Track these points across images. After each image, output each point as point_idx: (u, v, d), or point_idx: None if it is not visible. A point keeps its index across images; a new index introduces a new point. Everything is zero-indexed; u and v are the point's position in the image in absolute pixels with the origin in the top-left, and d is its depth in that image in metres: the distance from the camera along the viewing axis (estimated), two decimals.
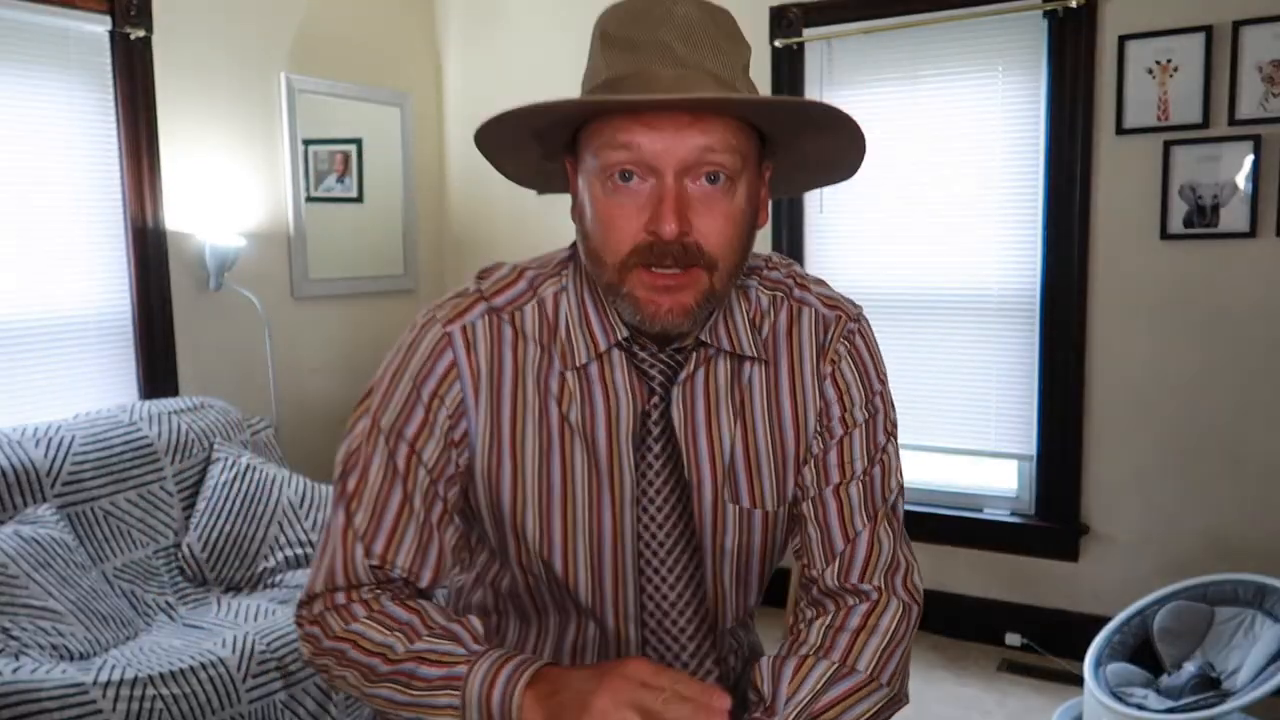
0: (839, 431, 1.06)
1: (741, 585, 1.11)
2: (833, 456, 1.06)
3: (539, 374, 1.04)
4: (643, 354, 1.04)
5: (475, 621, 0.96)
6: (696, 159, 0.91)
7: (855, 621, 1.00)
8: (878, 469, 1.06)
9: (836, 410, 1.07)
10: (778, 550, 1.11)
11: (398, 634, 0.94)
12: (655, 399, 1.04)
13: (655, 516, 1.03)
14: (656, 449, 1.04)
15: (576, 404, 1.03)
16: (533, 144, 1.01)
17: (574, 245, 1.06)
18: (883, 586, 1.02)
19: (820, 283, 1.14)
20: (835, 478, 1.05)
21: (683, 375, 1.05)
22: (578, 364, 1.03)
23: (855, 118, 0.94)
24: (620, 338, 1.03)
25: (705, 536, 1.06)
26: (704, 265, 0.94)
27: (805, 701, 0.95)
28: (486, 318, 1.04)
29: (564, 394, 1.03)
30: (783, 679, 0.97)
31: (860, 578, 1.02)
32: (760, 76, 3.59)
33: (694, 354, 1.05)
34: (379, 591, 1.00)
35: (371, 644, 0.95)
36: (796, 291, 1.11)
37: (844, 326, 1.09)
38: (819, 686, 0.96)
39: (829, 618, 1.01)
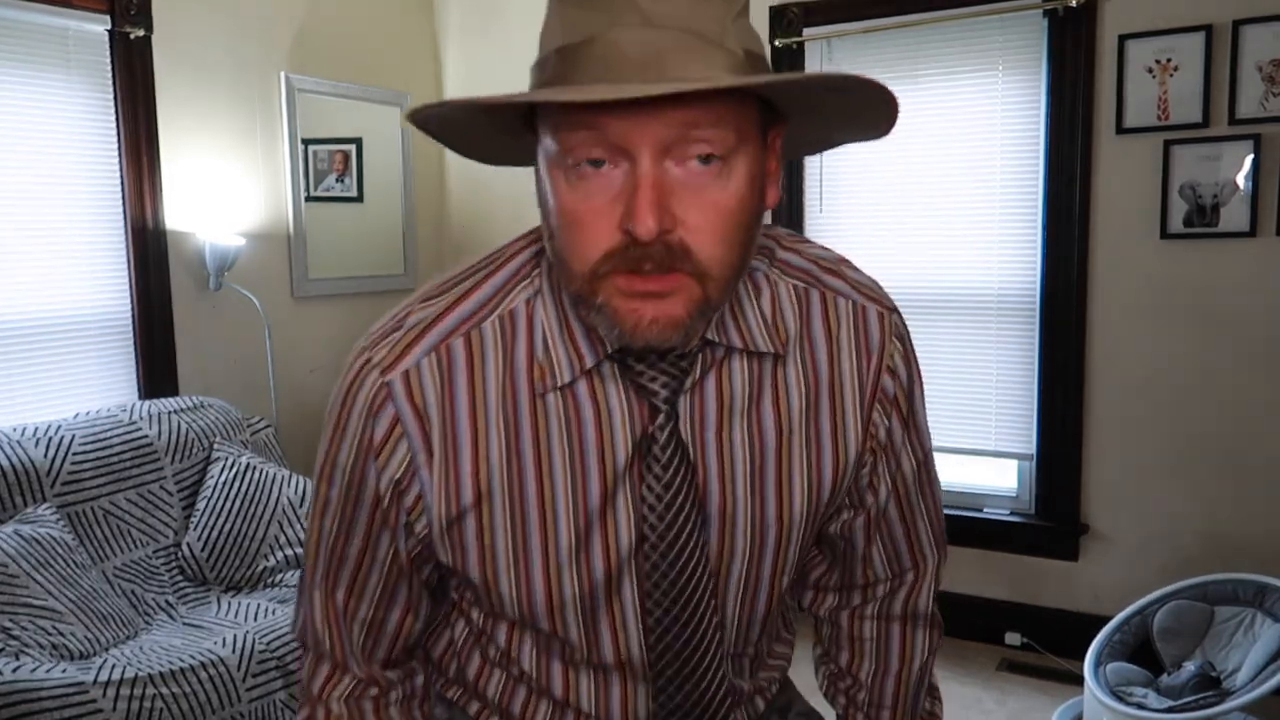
0: (902, 443, 1.00)
1: (769, 613, 0.98)
2: (897, 471, 1.00)
3: (505, 404, 0.85)
4: (639, 365, 0.85)
5: None
6: (679, 136, 0.71)
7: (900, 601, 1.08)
8: (937, 484, 1.07)
9: (898, 423, 0.98)
10: (795, 569, 0.99)
11: None
12: (661, 418, 0.86)
13: (666, 555, 0.87)
14: (666, 477, 0.86)
15: (558, 435, 0.85)
16: (482, 119, 0.82)
17: (538, 232, 0.87)
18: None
19: (845, 263, 0.98)
20: (899, 496, 1.02)
21: (689, 382, 0.86)
22: (560, 383, 0.84)
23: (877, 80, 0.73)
24: (611, 349, 0.84)
25: (733, 565, 0.92)
26: (692, 272, 0.75)
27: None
28: (434, 354, 0.85)
29: (540, 424, 0.85)
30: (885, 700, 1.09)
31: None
32: None
33: (700, 355, 0.86)
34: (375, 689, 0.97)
35: None
36: (826, 278, 0.95)
37: (892, 323, 0.96)
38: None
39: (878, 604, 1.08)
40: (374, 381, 0.85)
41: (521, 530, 0.87)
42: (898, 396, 0.97)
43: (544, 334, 0.85)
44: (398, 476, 0.86)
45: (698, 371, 0.87)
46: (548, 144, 0.75)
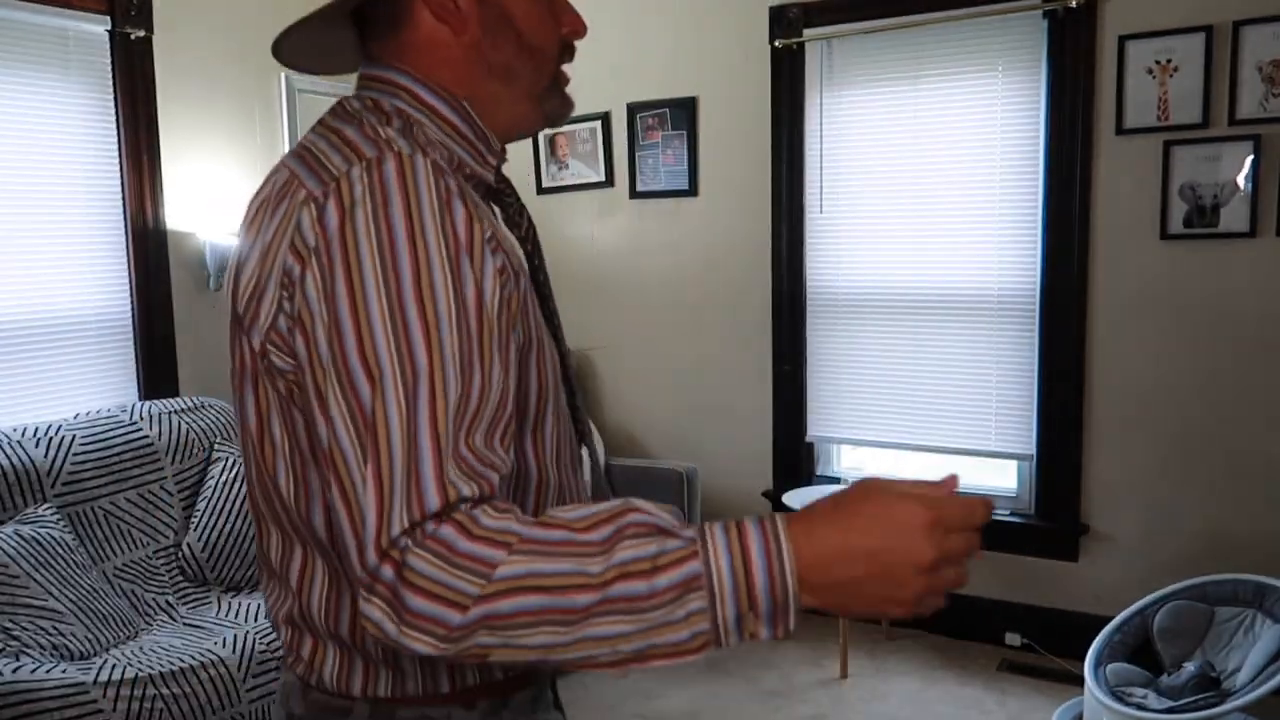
0: None
1: None
2: None
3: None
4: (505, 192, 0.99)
5: (644, 503, 0.73)
6: None
7: None
8: None
9: None
10: None
11: (577, 555, 0.69)
12: (529, 243, 0.98)
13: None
14: (543, 291, 0.96)
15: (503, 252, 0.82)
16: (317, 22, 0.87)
17: (378, 111, 0.87)
18: None
19: None
20: None
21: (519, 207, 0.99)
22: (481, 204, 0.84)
23: None
24: (493, 180, 0.95)
25: None
26: None
27: None
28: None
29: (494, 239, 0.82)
30: None
31: None
32: (760, 76, 3.59)
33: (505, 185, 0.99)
34: (474, 511, 0.71)
35: (556, 579, 0.68)
36: None
37: None
38: None
39: None
40: (421, 161, 0.78)
41: (535, 323, 0.88)
42: None
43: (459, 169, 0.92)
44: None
45: (516, 198, 1.00)
46: None
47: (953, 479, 0.74)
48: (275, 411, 0.83)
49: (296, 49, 0.93)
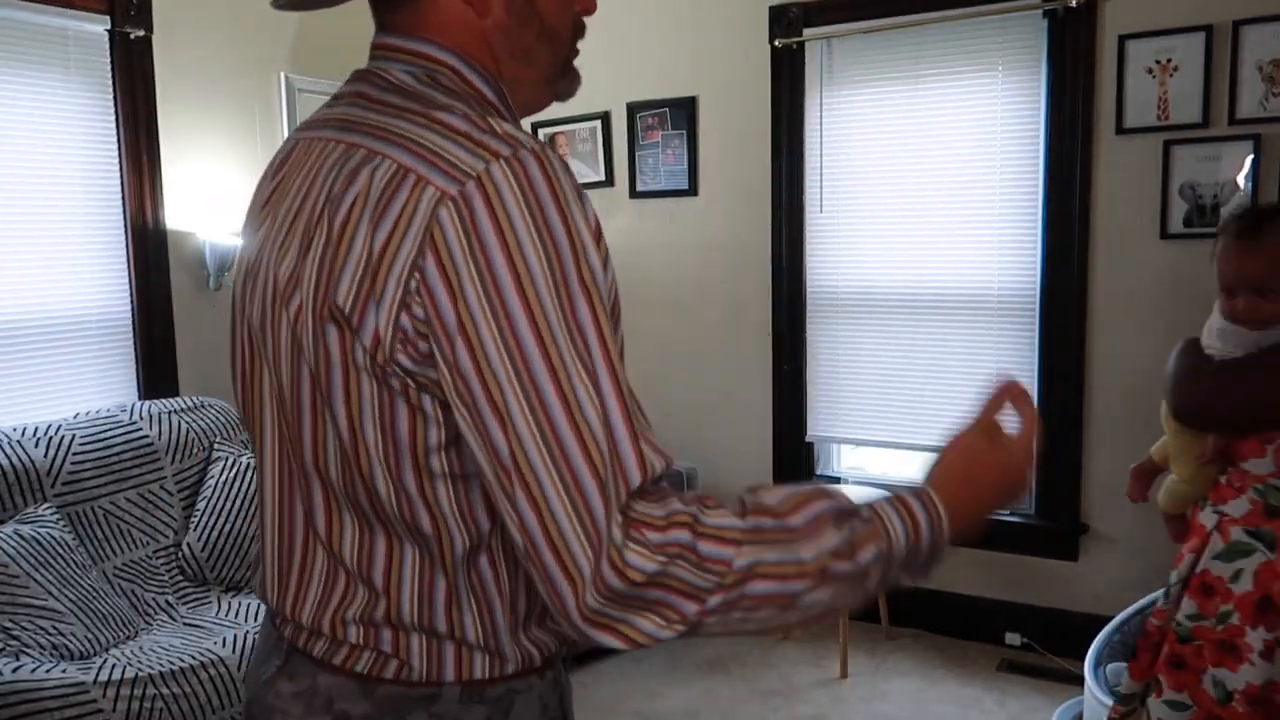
0: None
1: None
2: None
3: None
4: None
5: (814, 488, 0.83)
6: None
7: None
8: None
9: None
10: None
11: (789, 542, 0.77)
12: None
13: None
14: None
15: None
16: None
17: (438, 91, 0.84)
18: None
19: None
20: None
21: None
22: None
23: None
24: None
25: None
26: None
27: None
28: None
29: None
30: None
31: None
32: (760, 76, 3.59)
33: None
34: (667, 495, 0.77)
35: (777, 568, 0.75)
36: None
37: None
38: None
39: None
40: (554, 154, 0.78)
41: None
42: None
43: None
44: None
45: None
46: None
47: (1010, 386, 0.95)
48: (371, 407, 0.79)
49: None
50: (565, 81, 0.96)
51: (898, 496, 0.84)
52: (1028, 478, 0.93)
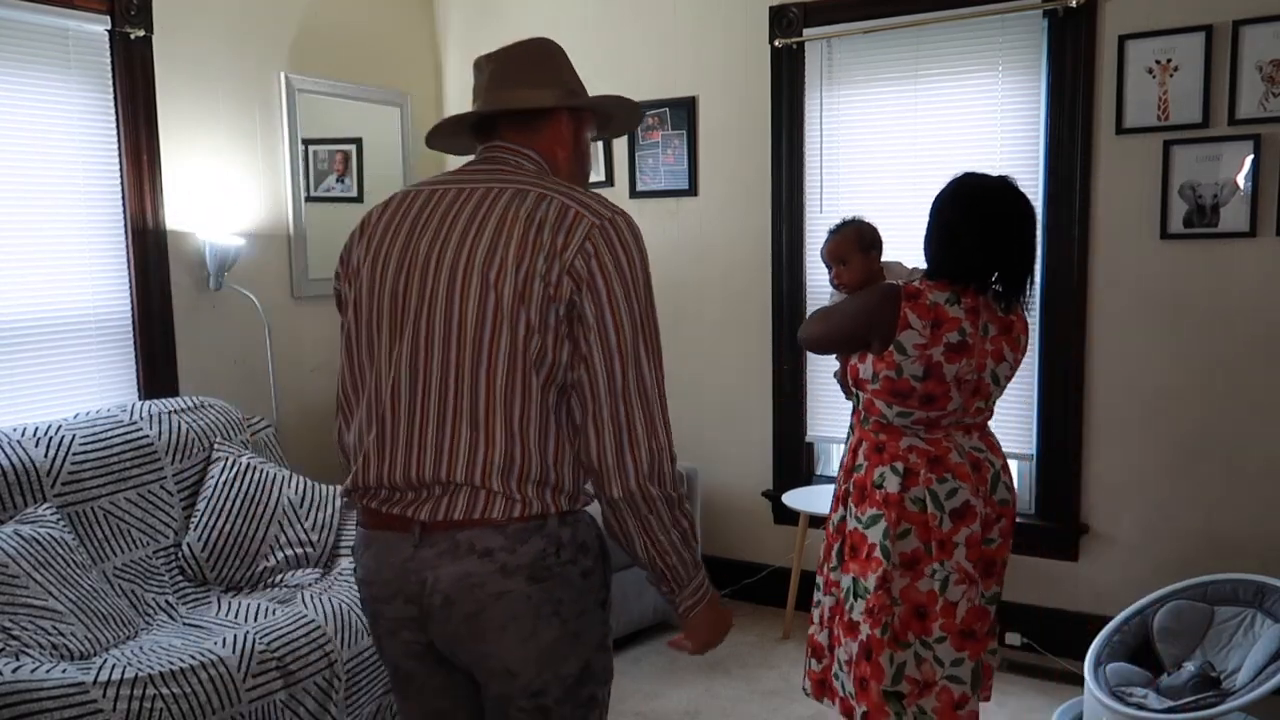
0: None
1: None
2: None
3: None
4: None
5: None
6: None
7: None
8: None
9: None
10: None
11: (689, 517, 1.52)
12: None
13: None
14: None
15: None
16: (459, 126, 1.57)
17: (529, 166, 1.50)
18: None
19: None
20: None
21: None
22: None
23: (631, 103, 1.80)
24: None
25: None
26: None
27: None
28: None
29: None
30: None
31: None
32: (760, 76, 3.60)
33: None
34: None
35: (688, 516, 1.48)
36: None
37: None
38: None
39: None
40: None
41: None
42: None
43: None
44: None
45: None
46: (590, 130, 1.68)
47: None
48: (542, 317, 1.34)
49: (443, 133, 1.63)
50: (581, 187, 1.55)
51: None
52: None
